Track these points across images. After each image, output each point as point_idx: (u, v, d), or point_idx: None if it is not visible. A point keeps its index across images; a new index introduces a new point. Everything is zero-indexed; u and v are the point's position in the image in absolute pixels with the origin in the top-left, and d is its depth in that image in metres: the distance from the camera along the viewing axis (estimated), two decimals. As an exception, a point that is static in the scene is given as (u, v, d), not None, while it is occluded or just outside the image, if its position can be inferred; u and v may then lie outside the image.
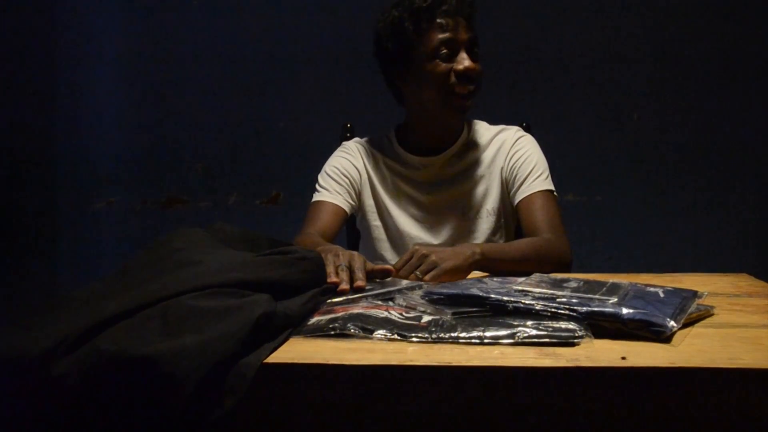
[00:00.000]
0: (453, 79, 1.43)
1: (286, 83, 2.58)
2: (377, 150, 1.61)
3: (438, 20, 1.43)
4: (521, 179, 1.52)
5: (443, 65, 1.43)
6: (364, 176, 1.59)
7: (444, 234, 1.56)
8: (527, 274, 1.12)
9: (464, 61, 1.43)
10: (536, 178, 1.52)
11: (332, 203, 1.52)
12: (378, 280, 1.12)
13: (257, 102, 2.60)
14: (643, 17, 2.45)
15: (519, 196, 1.51)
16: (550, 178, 1.54)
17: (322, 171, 1.60)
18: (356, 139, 1.66)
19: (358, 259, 1.11)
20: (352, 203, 1.56)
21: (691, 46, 2.44)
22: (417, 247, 1.22)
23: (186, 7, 2.59)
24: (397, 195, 1.58)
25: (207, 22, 2.59)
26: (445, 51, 1.43)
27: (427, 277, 1.17)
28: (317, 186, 1.57)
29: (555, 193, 1.53)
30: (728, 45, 2.43)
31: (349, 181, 1.56)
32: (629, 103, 2.48)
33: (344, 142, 1.66)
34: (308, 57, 2.56)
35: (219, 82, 2.60)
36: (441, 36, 1.43)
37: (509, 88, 2.45)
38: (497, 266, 1.27)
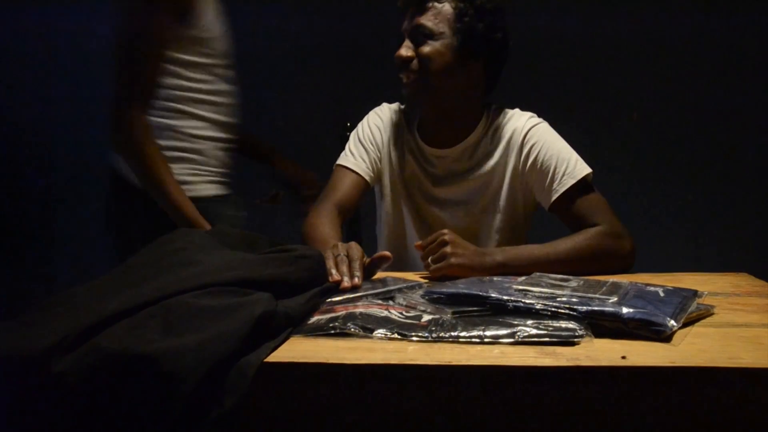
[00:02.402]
0: (398, 65, 1.47)
1: (286, 82, 2.58)
2: (403, 128, 1.58)
3: (403, 18, 1.49)
4: (546, 179, 1.42)
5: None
6: (385, 153, 1.57)
7: (450, 225, 1.49)
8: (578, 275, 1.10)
9: (399, 50, 1.45)
10: (563, 172, 1.41)
11: (354, 173, 1.53)
12: (379, 279, 1.12)
13: (256, 101, 2.60)
14: (643, 16, 2.45)
15: (551, 197, 1.41)
16: (579, 159, 1.44)
17: (356, 130, 1.61)
18: (391, 107, 1.63)
19: (355, 249, 1.11)
20: (373, 174, 1.56)
21: (691, 45, 2.44)
22: (444, 231, 1.24)
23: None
24: (409, 183, 1.55)
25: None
26: (398, 42, 1.47)
27: (432, 269, 1.19)
28: (347, 146, 1.58)
29: (590, 172, 1.42)
30: (728, 44, 2.43)
31: (375, 148, 1.57)
32: (629, 102, 2.48)
33: (384, 104, 1.65)
34: (308, 56, 2.56)
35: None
36: (401, 30, 1.48)
37: (507, 88, 2.44)
38: (526, 270, 1.19)
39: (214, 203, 1.53)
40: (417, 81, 1.45)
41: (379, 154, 1.57)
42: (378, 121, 1.60)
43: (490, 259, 1.24)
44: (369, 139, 1.57)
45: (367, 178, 1.54)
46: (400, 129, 1.58)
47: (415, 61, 1.44)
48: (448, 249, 1.21)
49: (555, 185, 1.41)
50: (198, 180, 1.52)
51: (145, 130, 1.40)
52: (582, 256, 1.29)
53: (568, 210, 1.40)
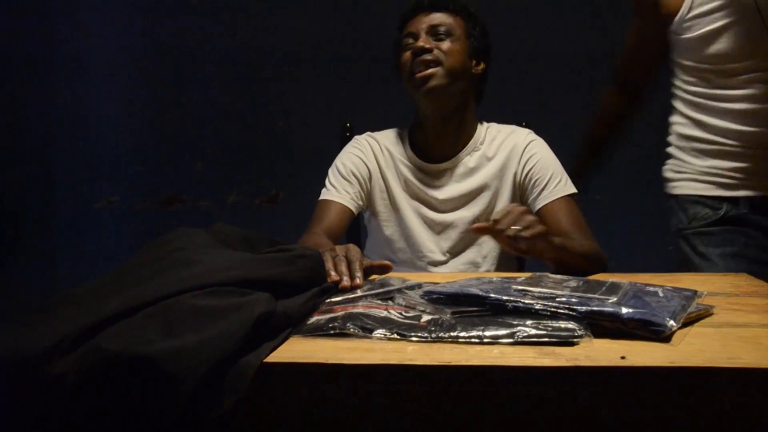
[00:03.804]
0: (410, 62, 1.51)
1: (286, 82, 2.58)
2: (391, 147, 1.60)
3: (412, 17, 1.55)
4: (541, 185, 1.52)
5: (405, 54, 1.52)
6: (376, 174, 1.58)
7: (454, 237, 1.55)
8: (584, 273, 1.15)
9: (416, 43, 1.50)
10: (557, 183, 1.52)
11: (339, 203, 1.53)
12: (378, 280, 1.12)
13: (257, 101, 2.60)
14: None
15: (541, 203, 1.51)
16: (569, 180, 1.54)
17: (333, 166, 1.60)
18: (368, 133, 1.65)
19: (354, 250, 1.12)
20: (360, 203, 1.56)
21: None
22: (514, 205, 1.26)
23: (186, 6, 2.59)
24: (408, 196, 1.57)
25: (207, 22, 2.59)
26: (408, 41, 1.52)
27: (526, 233, 1.18)
28: (326, 182, 1.58)
29: (576, 192, 1.54)
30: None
31: (359, 180, 1.56)
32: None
33: (356, 136, 1.66)
34: (308, 56, 2.56)
35: (219, 81, 2.60)
36: (408, 28, 1.54)
37: (508, 87, 2.44)
38: (567, 258, 1.27)
39: (690, 202, 1.55)
40: (437, 72, 1.49)
41: (367, 185, 1.57)
42: (359, 153, 1.60)
43: (553, 237, 1.27)
44: (351, 171, 1.56)
45: (352, 207, 1.54)
46: (388, 155, 1.59)
47: (436, 51, 1.49)
48: (531, 216, 1.22)
49: (546, 193, 1.51)
50: (677, 177, 1.57)
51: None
52: (592, 255, 1.36)
53: (554, 217, 1.47)
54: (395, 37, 1.58)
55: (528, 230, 1.18)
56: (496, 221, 1.19)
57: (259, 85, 2.60)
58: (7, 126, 2.65)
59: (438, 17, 1.52)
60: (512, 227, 1.18)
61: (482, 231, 1.23)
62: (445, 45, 1.50)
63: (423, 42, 1.49)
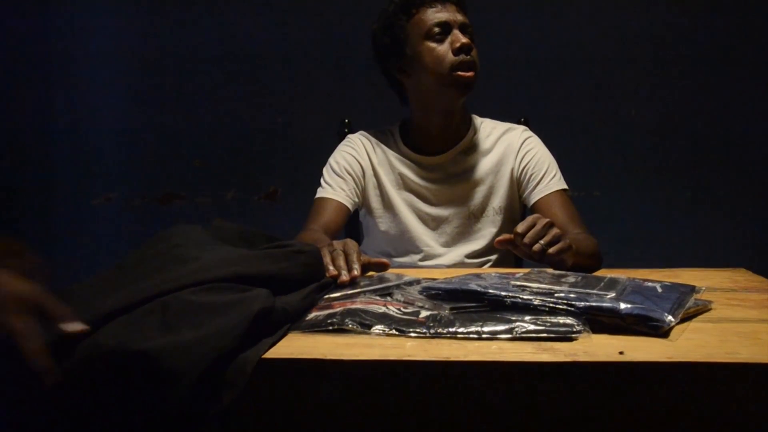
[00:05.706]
0: (451, 57, 1.45)
1: (284, 79, 2.58)
2: (383, 144, 1.60)
3: (427, 5, 1.48)
4: (536, 180, 1.53)
5: (438, 47, 1.46)
6: (369, 172, 1.58)
7: (449, 232, 1.56)
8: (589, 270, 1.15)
9: (460, 38, 1.45)
10: (552, 178, 1.53)
11: (335, 200, 1.53)
12: (377, 276, 1.12)
13: (255, 98, 2.60)
14: (642, 14, 2.45)
15: (536, 197, 1.52)
16: (562, 176, 1.56)
17: (327, 165, 1.60)
18: (361, 132, 1.65)
19: (351, 245, 1.12)
20: (355, 200, 1.56)
21: (690, 43, 2.44)
22: (538, 215, 1.21)
23: (184, 3, 2.58)
24: (403, 192, 1.57)
25: (205, 18, 2.58)
26: (438, 31, 1.47)
27: (552, 250, 1.15)
28: (321, 181, 1.58)
29: (568, 189, 1.55)
30: (727, 43, 2.43)
31: (353, 177, 1.56)
32: (627, 99, 2.48)
33: (349, 135, 1.66)
34: (306, 53, 2.56)
35: (217, 77, 2.60)
36: (432, 18, 1.47)
37: (507, 84, 2.45)
38: (578, 260, 1.23)
39: None
40: (475, 76, 1.48)
41: (361, 182, 1.57)
42: (352, 152, 1.59)
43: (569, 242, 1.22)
44: (346, 169, 1.56)
45: (348, 204, 1.54)
46: (381, 153, 1.59)
47: (474, 51, 1.47)
48: (556, 230, 1.17)
49: (542, 187, 1.53)
50: None
51: None
52: (595, 254, 1.36)
53: (550, 210, 1.48)
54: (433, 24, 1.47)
55: (554, 246, 1.15)
56: (518, 234, 1.16)
57: (258, 81, 2.59)
58: (7, 124, 2.64)
59: (465, 17, 1.49)
60: (538, 243, 1.15)
61: (505, 244, 1.19)
62: (474, 50, 1.48)
63: (467, 40, 1.45)
